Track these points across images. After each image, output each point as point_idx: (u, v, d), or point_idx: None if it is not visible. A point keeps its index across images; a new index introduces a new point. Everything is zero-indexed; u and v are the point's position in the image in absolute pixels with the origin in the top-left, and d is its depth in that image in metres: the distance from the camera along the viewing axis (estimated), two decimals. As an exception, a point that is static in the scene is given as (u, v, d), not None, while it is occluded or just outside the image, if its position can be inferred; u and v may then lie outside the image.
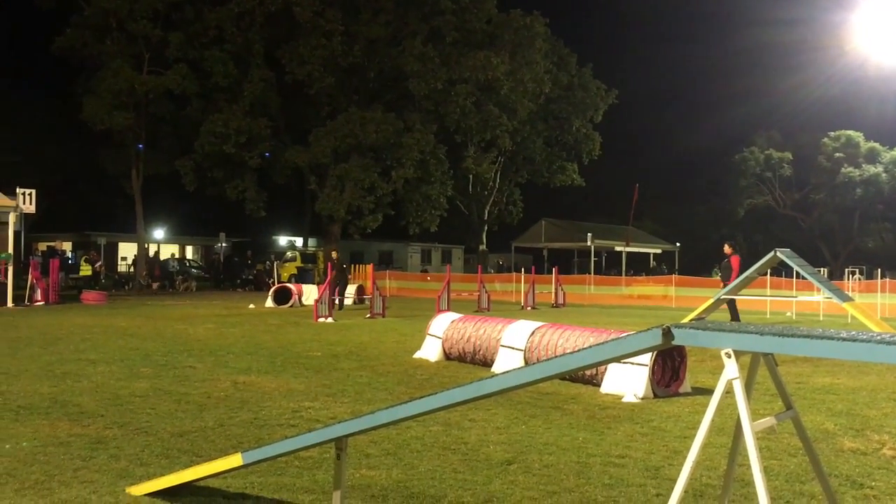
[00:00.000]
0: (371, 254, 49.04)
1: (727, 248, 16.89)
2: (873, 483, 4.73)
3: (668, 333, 2.71)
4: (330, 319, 16.60)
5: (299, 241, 51.13)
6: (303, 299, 21.98)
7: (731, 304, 17.10)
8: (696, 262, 52.43)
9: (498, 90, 35.17)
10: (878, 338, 2.38)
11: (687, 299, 24.71)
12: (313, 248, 44.69)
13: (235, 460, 3.96)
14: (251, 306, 21.31)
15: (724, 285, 17.08)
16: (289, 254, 41.05)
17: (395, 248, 53.06)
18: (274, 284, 25.38)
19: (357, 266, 32.25)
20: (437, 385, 8.13)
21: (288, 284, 24.73)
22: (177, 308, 20.35)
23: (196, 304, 22.58)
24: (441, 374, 9.07)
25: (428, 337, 10.51)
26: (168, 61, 31.96)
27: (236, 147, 32.31)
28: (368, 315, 18.23)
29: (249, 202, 35.16)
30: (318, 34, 32.47)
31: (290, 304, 21.79)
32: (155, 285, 31.87)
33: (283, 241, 56.52)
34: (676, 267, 47.25)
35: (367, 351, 11.23)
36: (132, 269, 37.52)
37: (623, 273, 42.84)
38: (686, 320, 12.26)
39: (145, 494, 4.26)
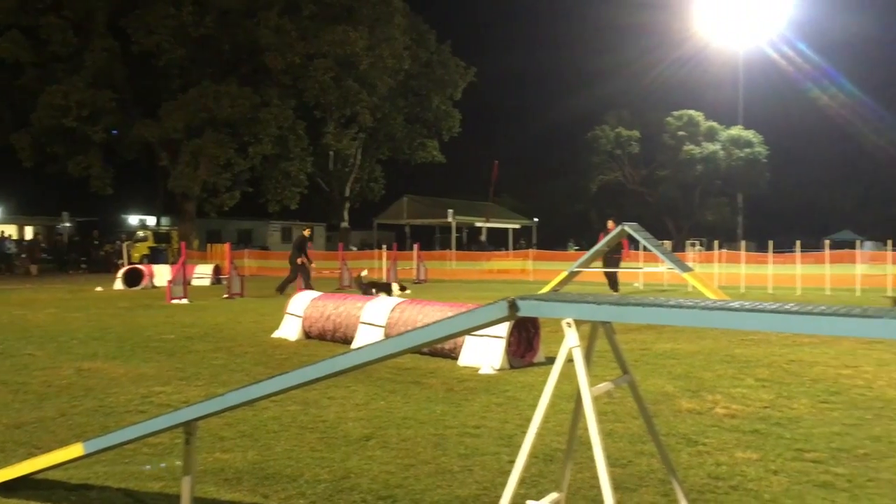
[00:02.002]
0: (229, 232, 47.65)
1: (611, 224, 17.58)
2: (706, 440, 5.08)
3: (513, 305, 2.80)
4: (184, 301, 16.02)
5: (152, 220, 48.93)
6: (155, 281, 21.08)
7: (613, 276, 18.26)
8: (553, 236, 54.36)
9: (357, 66, 34.85)
10: (703, 304, 2.55)
11: (544, 273, 25.54)
12: (167, 227, 42.88)
13: (76, 450, 3.77)
14: (98, 289, 20.22)
15: (613, 258, 18.08)
16: (140, 233, 39.19)
17: (254, 226, 51.80)
18: (123, 266, 24.18)
19: (213, 245, 31.23)
20: (296, 364, 8.03)
21: (139, 265, 23.64)
22: (15, 293, 19.03)
23: (37, 288, 21.20)
24: (300, 353, 8.96)
25: (287, 316, 10.35)
26: (-2, 27, 29.61)
27: (78, 121, 30.42)
28: (226, 295, 17.73)
29: (95, 179, 33.22)
30: (167, 3, 30.97)
31: (141, 286, 20.85)
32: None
33: (133, 220, 53.90)
34: (534, 241, 48.75)
35: (223, 332, 10.93)
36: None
37: (483, 248, 43.75)
38: (543, 292, 12.72)
39: (-24, 492, 3.98)
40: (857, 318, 2.22)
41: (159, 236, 37.51)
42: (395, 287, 16.42)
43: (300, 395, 6.21)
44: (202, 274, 23.52)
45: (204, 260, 28.81)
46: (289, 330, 10.18)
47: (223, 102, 31.42)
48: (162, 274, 20.94)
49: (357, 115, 37.88)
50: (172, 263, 23.68)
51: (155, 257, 32.18)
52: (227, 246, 21.91)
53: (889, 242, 21.56)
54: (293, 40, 32.72)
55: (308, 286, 17.46)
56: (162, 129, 32.06)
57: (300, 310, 10.12)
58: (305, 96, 35.37)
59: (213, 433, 5.16)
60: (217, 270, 23.58)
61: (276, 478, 4.31)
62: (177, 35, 31.41)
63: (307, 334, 10.01)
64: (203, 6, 32.02)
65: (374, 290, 15.43)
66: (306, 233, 19.73)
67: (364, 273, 16.87)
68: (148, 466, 4.50)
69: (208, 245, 33.60)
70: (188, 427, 3.57)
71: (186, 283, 17.24)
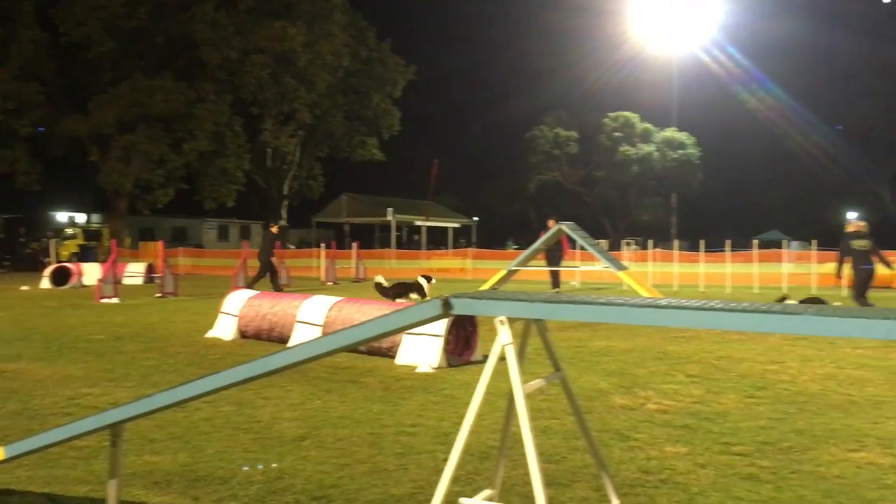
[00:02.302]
0: (163, 230, 46.59)
1: (551, 223, 17.56)
2: (637, 435, 5.18)
3: (446, 304, 2.80)
4: (115, 300, 15.61)
5: (82, 218, 47.51)
6: (84, 279, 20.49)
7: (555, 275, 18.65)
8: (493, 235, 54.65)
9: (296, 62, 34.49)
10: (631, 302, 2.59)
11: (483, 271, 25.67)
12: (97, 225, 41.69)
13: (-4, 455, 3.63)
14: (24, 288, 19.55)
15: (556, 257, 18.41)
16: (69, 231, 38.00)
17: (189, 223, 50.76)
18: (51, 264, 23.42)
19: (146, 243, 30.49)
20: (230, 364, 7.85)
21: (67, 264, 22.93)
22: (-66, 292, 18.28)
23: (-42, 287, 20.39)
24: (235, 352, 8.82)
25: (222, 315, 10.17)
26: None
27: (4, 114, 29.34)
28: (159, 294, 17.34)
29: (21, 175, 32.12)
30: (97, -6, 30.14)
31: (69, 285, 20.24)
32: None
33: (62, 217, 52.22)
34: (473, 240, 48.97)
35: (155, 332, 10.69)
36: None
37: (423, 247, 43.77)
38: (482, 290, 12.77)
39: None
40: (778, 315, 2.29)
41: (89, 234, 36.40)
42: (422, 282, 14.67)
43: (234, 395, 6.12)
44: (134, 272, 22.96)
45: (136, 258, 28.10)
46: (223, 329, 10.01)
47: (157, 97, 30.72)
48: (92, 272, 20.38)
49: (295, 111, 37.50)
50: (103, 262, 23.03)
51: (85, 255, 31.23)
52: (160, 244, 21.42)
53: (814, 242, 22.33)
54: (229, 35, 32.19)
55: (277, 286, 17.29)
56: (92, 123, 31.16)
57: (235, 309, 9.96)
58: (242, 92, 34.83)
59: (142, 435, 5.04)
60: (150, 269, 23.03)
61: (207, 480, 4.24)
62: (108, 27, 30.57)
63: (243, 334, 9.86)
64: (135, -2, 31.27)
65: (408, 294, 14.06)
66: (274, 229, 18.76)
67: (379, 279, 14.83)
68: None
69: (141, 243, 32.81)
70: (115, 429, 3.48)
71: (117, 281, 16.81)
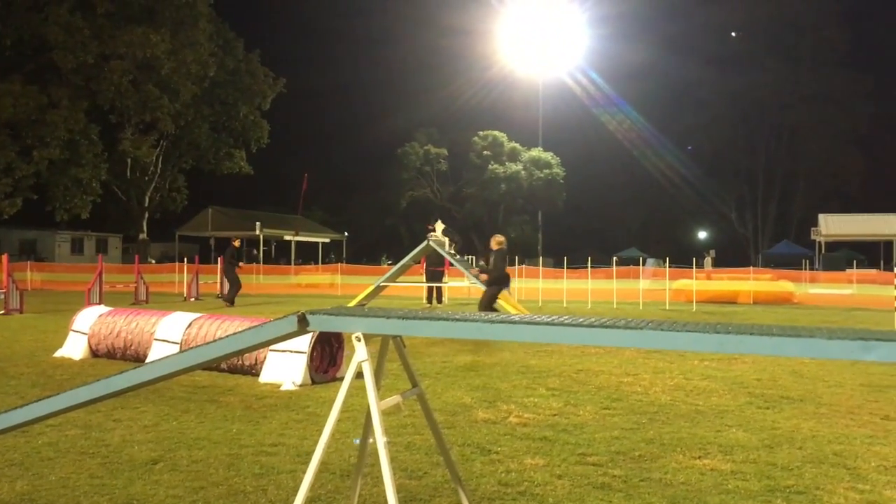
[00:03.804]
0: (10, 242, 43.50)
1: (432, 228, 17.80)
2: (499, 448, 5.28)
3: (302, 320, 2.76)
4: (-48, 318, 14.45)
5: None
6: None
7: (438, 290, 19.09)
8: (364, 250, 54.39)
9: (158, 70, 33.25)
10: (488, 318, 2.64)
11: (353, 287, 25.51)
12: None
13: None
14: None
15: (436, 272, 18.76)
16: None
17: (39, 236, 47.66)
18: None
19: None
20: (79, 385, 7.45)
21: None
22: None
23: None
24: (85, 372, 8.34)
25: (71, 333, 9.60)
26: None
27: None
28: (2, 311, 16.19)
29: None
30: (-62, -11, 28.05)
31: None
32: None
33: None
34: (344, 256, 48.60)
35: (-4, 352, 9.95)
36: None
37: (292, 262, 43.05)
38: (351, 305, 12.68)
39: None
40: (621, 329, 2.40)
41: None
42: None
43: (82, 417, 5.79)
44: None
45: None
46: (73, 348, 9.45)
47: (4, 101, 28.83)
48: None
49: (157, 121, 36.09)
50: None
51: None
52: (4, 257, 19.98)
53: (667, 260, 23.57)
54: (86, 39, 30.66)
55: (230, 299, 18.94)
56: (-71, 127, 28.86)
57: (86, 326, 9.44)
58: (100, 99, 33.20)
59: (-25, 464, 4.67)
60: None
61: (47, 510, 3.97)
62: (-50, 25, 28.49)
63: (95, 353, 9.34)
64: (-18, -4, 29.32)
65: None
66: (236, 243, 20.33)
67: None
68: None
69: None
70: (-61, 459, 3.21)
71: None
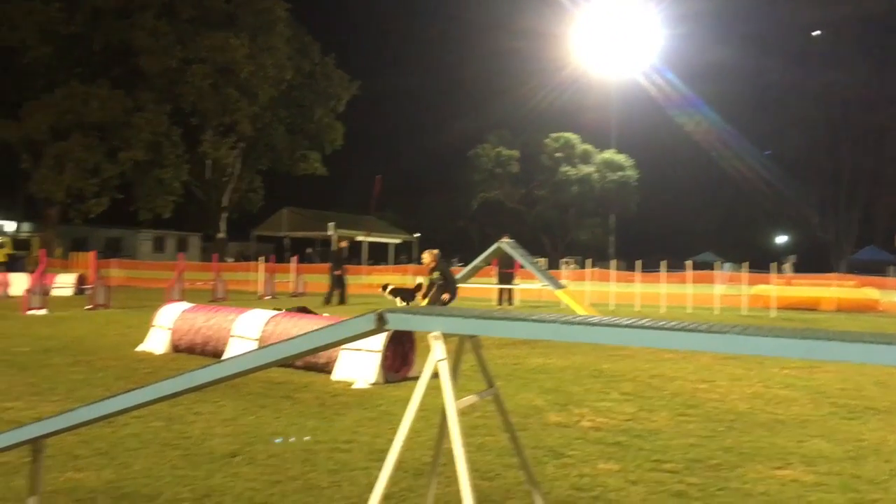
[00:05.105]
0: (97, 240, 45.28)
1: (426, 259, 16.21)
2: (571, 452, 5.23)
3: (381, 318, 2.79)
4: (43, 311, 15.12)
5: (11, 226, 45.96)
6: (10, 290, 19.80)
7: (509, 292, 19.42)
8: (434, 252, 54.51)
9: (238, 73, 34.12)
10: (564, 319, 2.62)
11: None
12: (27, 234, 40.38)
13: None
14: (-54, 298, 18.81)
15: (507, 274, 19.11)
16: (-3, 239, 36.73)
17: (123, 234, 49.51)
18: (-24, 274, 22.53)
19: (77, 254, 29.63)
20: (161, 379, 7.69)
21: (-7, 274, 22.14)
22: None
23: None
24: (167, 367, 8.60)
25: (154, 328, 9.93)
26: None
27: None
28: (89, 306, 16.85)
29: (-54, 181, 30.99)
30: (34, -3, 29.40)
31: (-5, 295, 19.54)
32: None
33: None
34: (414, 257, 48.94)
35: (84, 345, 10.37)
36: None
37: (363, 262, 43.56)
38: (423, 305, 12.77)
39: None
40: (703, 333, 2.35)
41: (18, 243, 35.23)
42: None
43: (164, 410, 5.97)
44: (63, 283, 22.24)
45: (67, 269, 27.27)
46: (155, 343, 9.77)
47: (92, 104, 30.02)
48: (19, 283, 19.69)
49: (236, 123, 37.03)
50: (31, 272, 22.28)
51: (12, 265, 30.20)
52: (92, 254, 20.83)
53: (745, 265, 22.95)
54: (170, 44, 31.71)
55: (330, 299, 19.02)
56: (23, 129, 30.23)
57: (169, 322, 9.74)
58: (182, 102, 34.26)
59: (66, 451, 4.87)
60: (81, 280, 22.35)
61: (132, 497, 4.12)
62: (43, 32, 29.77)
63: (175, 348, 9.63)
64: (73, 3, 30.55)
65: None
66: (343, 244, 20.83)
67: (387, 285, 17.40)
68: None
69: (72, 254, 31.86)
70: (35, 445, 3.36)
71: (45, 292, 16.28)
